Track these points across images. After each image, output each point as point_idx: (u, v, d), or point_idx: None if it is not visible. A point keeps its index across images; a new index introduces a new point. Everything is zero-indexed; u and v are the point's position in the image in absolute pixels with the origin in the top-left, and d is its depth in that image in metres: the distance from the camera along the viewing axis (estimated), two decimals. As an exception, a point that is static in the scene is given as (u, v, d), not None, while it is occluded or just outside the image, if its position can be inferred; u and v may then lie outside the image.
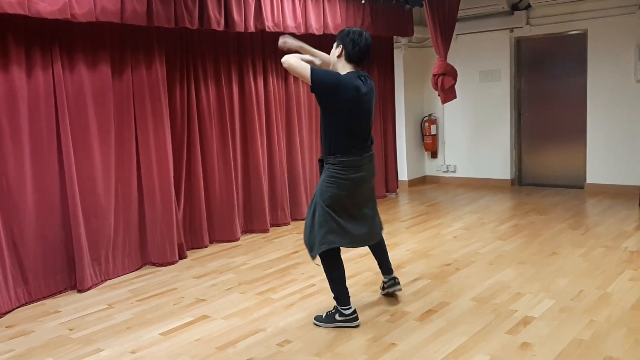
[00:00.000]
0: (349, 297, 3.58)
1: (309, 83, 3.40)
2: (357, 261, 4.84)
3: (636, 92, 6.87)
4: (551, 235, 5.43)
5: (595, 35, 7.14)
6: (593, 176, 7.39)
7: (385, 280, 3.97)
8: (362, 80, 3.46)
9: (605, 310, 3.60)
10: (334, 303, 3.62)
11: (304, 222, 6.24)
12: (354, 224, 3.56)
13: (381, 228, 3.85)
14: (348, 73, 3.46)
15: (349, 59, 3.48)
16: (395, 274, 4.09)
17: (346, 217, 3.52)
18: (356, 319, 3.56)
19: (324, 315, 3.64)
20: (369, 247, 3.90)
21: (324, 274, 3.62)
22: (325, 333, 3.47)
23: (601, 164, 7.30)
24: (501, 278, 4.29)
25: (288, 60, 3.46)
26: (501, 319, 3.54)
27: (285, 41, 3.68)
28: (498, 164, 8.12)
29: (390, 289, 3.95)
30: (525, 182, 8.13)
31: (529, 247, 5.08)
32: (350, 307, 3.55)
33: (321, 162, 3.60)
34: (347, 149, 3.46)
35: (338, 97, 3.39)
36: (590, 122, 7.33)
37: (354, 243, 3.61)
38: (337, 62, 3.52)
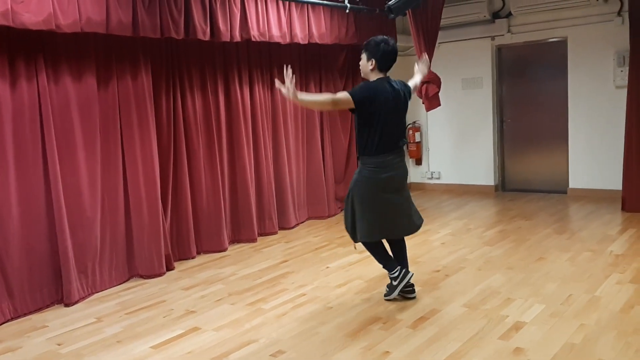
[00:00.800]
0: (394, 262, 4.01)
1: (353, 106, 3.70)
2: (347, 269, 4.84)
3: (616, 97, 6.99)
4: (537, 240, 5.48)
5: (575, 43, 7.27)
6: (575, 181, 7.49)
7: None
8: (392, 86, 3.79)
9: (595, 313, 3.64)
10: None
11: (291, 230, 6.33)
12: (389, 218, 3.90)
13: (420, 220, 4.12)
14: (379, 80, 3.79)
15: (380, 70, 3.80)
16: (384, 280, 4.11)
17: (379, 213, 3.85)
18: (407, 273, 3.98)
19: (387, 289, 4.06)
20: (391, 250, 4.15)
21: (370, 253, 4.09)
22: (318, 342, 3.45)
23: (583, 168, 7.41)
24: (491, 283, 4.31)
25: (327, 102, 3.78)
26: (493, 324, 3.57)
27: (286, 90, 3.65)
28: (482, 170, 8.20)
29: (406, 295, 4.10)
30: (508, 187, 8.22)
31: (516, 252, 5.12)
32: (397, 269, 3.96)
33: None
34: (378, 150, 3.77)
35: (373, 106, 3.71)
36: (571, 127, 7.44)
37: (387, 234, 3.99)
38: (369, 73, 3.83)
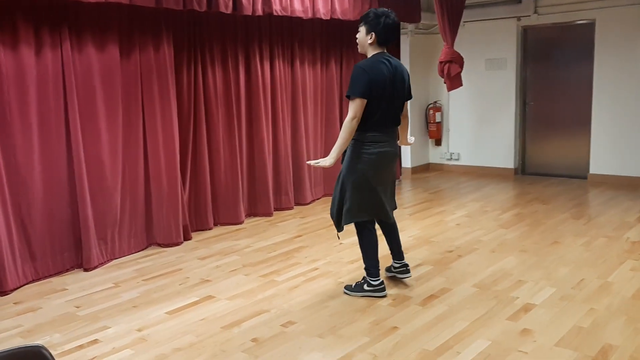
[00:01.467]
0: (379, 269, 3.79)
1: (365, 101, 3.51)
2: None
3: (642, 83, 6.87)
4: (553, 224, 5.46)
5: (603, 26, 7.11)
6: (596, 167, 7.41)
7: (397, 265, 4.04)
8: (390, 63, 3.60)
9: (606, 299, 3.64)
10: (363, 275, 3.86)
11: (307, 206, 6.38)
12: (378, 197, 3.73)
13: (395, 207, 3.99)
14: (375, 57, 3.59)
15: (379, 44, 3.62)
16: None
17: (371, 190, 3.67)
18: (383, 289, 3.75)
19: (353, 285, 3.86)
20: (383, 231, 4.02)
21: (358, 242, 3.83)
22: (328, 315, 3.52)
23: (605, 154, 7.31)
24: (503, 265, 4.33)
25: (352, 126, 3.50)
26: (502, 305, 3.59)
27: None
28: (502, 152, 8.14)
29: (400, 275, 4.03)
30: (528, 171, 8.15)
31: (531, 235, 5.11)
32: (378, 279, 3.75)
33: None
34: (371, 126, 3.59)
35: (373, 87, 3.51)
36: (595, 112, 7.33)
37: (379, 214, 3.79)
38: (368, 47, 3.64)
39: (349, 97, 3.54)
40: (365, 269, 3.79)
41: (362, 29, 3.63)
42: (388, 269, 4.14)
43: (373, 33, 3.57)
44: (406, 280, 4.05)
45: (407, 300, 3.71)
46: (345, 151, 3.67)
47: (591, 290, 3.79)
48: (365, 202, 3.67)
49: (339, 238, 4.00)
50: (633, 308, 3.49)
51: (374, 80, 3.50)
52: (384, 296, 3.75)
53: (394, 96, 3.63)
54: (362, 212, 3.69)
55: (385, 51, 3.67)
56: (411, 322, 3.39)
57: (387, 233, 4.00)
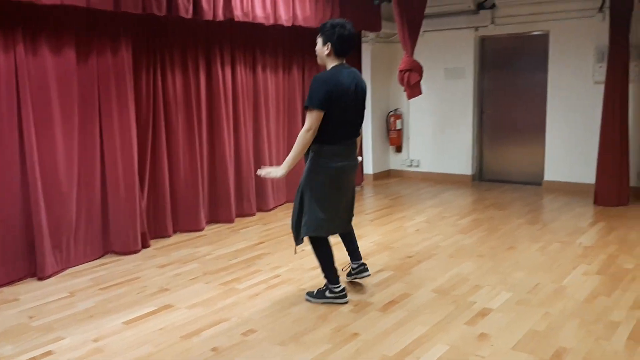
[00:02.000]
0: (338, 276, 3.80)
1: (323, 113, 3.49)
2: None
3: (594, 93, 7.10)
4: (509, 229, 5.59)
5: (557, 37, 7.34)
6: (551, 173, 7.62)
7: (355, 266, 4.07)
8: (349, 74, 3.61)
9: (560, 302, 3.74)
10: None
11: (269, 213, 6.36)
12: (336, 212, 3.72)
13: (352, 216, 4.00)
14: (334, 68, 3.60)
15: (337, 55, 3.62)
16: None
17: (329, 204, 3.66)
18: (345, 296, 3.77)
19: (315, 291, 3.85)
20: (342, 240, 4.05)
21: (314, 254, 3.82)
22: (289, 323, 3.51)
23: (559, 162, 7.53)
24: (461, 271, 4.40)
25: (306, 138, 3.50)
26: (460, 310, 3.65)
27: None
28: (460, 159, 8.29)
29: (359, 275, 4.05)
30: (485, 177, 8.33)
31: (488, 241, 5.22)
32: (339, 285, 3.77)
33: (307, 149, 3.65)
34: (330, 139, 3.58)
35: (332, 98, 3.51)
36: (549, 121, 7.55)
37: (333, 231, 3.80)
38: (326, 58, 3.65)
39: (306, 108, 3.53)
40: (325, 277, 3.80)
41: (319, 40, 3.65)
42: (349, 274, 4.14)
43: (329, 44, 3.58)
44: (367, 286, 4.08)
45: (368, 306, 3.73)
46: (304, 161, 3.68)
47: (546, 294, 3.89)
48: (324, 216, 3.63)
49: (295, 252, 3.96)
50: (586, 311, 3.59)
51: (333, 92, 3.50)
52: (346, 302, 3.77)
53: (354, 108, 3.66)
54: (320, 228, 3.66)
55: (345, 62, 3.68)
56: (372, 328, 3.41)
57: (344, 236, 4.03)
